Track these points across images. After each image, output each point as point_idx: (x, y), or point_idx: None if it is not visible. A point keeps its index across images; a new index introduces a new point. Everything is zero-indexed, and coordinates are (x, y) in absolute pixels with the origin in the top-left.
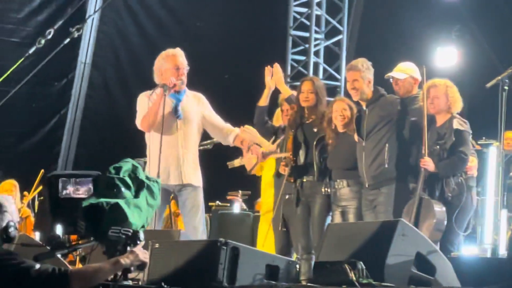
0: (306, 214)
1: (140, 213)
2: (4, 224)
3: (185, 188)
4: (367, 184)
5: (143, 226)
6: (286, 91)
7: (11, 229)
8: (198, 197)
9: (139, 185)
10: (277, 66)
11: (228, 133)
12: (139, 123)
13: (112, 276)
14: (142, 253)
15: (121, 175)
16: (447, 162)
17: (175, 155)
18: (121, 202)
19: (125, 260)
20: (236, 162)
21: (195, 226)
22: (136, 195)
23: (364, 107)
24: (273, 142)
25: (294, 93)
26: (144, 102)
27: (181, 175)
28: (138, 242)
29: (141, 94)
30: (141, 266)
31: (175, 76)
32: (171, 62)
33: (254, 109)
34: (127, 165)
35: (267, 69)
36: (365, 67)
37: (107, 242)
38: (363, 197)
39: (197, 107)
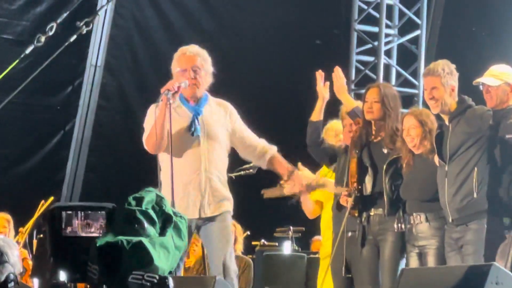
0: (374, 256)
1: (167, 255)
2: (3, 278)
3: (209, 221)
4: (450, 218)
5: (170, 272)
6: (350, 102)
7: (11, 285)
8: (227, 225)
9: (166, 220)
10: (338, 70)
11: (263, 153)
12: (144, 142)
13: None
14: None
15: (143, 207)
16: None
17: (196, 181)
18: (145, 240)
19: None
20: (273, 192)
21: (227, 265)
22: (162, 233)
23: (446, 122)
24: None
25: (360, 104)
26: (152, 115)
27: (204, 208)
28: None
29: (152, 105)
30: None
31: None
32: (180, 63)
33: (305, 125)
34: (150, 195)
35: (319, 74)
36: (446, 72)
37: None
38: (446, 235)
39: (224, 119)
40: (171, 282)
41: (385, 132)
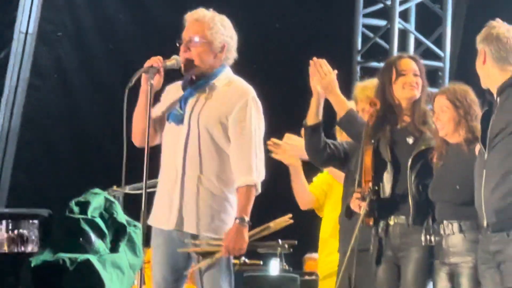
0: (394, 277)
1: (121, 276)
2: None
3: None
4: (486, 222)
5: None
6: (342, 103)
7: None
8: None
9: (118, 232)
10: (323, 63)
11: (236, 176)
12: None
13: None
14: None
15: (89, 215)
16: None
17: (177, 185)
18: (93, 258)
19: None
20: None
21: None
22: (114, 248)
23: (496, 98)
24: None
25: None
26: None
27: (184, 219)
28: None
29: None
30: None
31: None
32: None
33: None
34: (97, 199)
35: (313, 65)
36: (497, 34)
37: None
38: (480, 247)
39: (220, 108)
40: None
41: (412, 116)
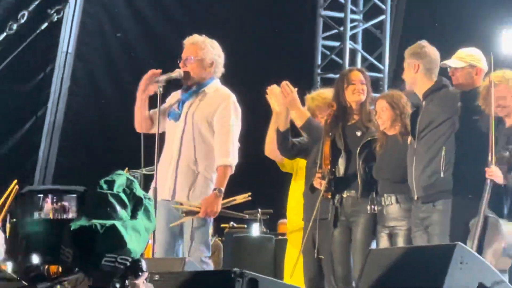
0: (346, 237)
1: (139, 237)
2: None
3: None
4: (416, 196)
5: (141, 255)
6: (303, 115)
7: None
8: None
9: (137, 203)
10: (287, 84)
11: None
12: None
13: None
14: (146, 287)
15: (115, 191)
16: None
17: (172, 166)
18: (118, 224)
19: None
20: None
21: (200, 249)
22: (133, 216)
23: (421, 100)
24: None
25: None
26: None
27: (176, 191)
28: (140, 273)
29: None
30: None
31: None
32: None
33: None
34: (120, 178)
35: (270, 90)
36: (425, 51)
37: (99, 274)
38: (413, 214)
39: (212, 109)
40: (144, 264)
41: (360, 115)
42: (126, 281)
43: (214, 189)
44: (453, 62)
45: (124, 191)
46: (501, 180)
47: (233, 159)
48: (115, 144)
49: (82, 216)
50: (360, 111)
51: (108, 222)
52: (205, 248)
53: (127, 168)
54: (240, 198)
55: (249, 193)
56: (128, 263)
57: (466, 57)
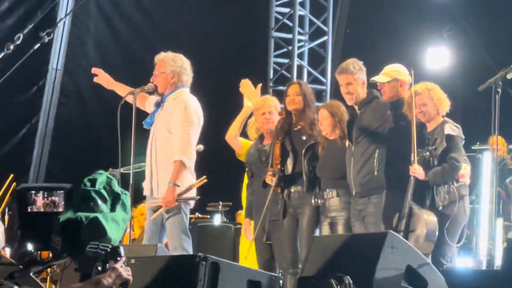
0: (294, 226)
1: (117, 227)
2: None
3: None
4: (354, 191)
5: (120, 242)
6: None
7: None
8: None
9: (115, 198)
10: (246, 82)
11: (174, 155)
12: None
13: None
14: (124, 270)
15: (96, 188)
16: (438, 170)
17: (148, 167)
18: (99, 216)
19: (107, 279)
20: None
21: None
22: (113, 209)
23: (357, 110)
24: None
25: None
26: None
27: (153, 189)
28: (119, 258)
29: None
30: (124, 285)
31: None
32: None
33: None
34: (101, 177)
35: (244, 83)
36: (357, 68)
37: (83, 259)
38: (352, 207)
39: (171, 115)
40: (122, 250)
41: (304, 122)
42: (107, 265)
43: (169, 183)
44: (379, 77)
45: (104, 188)
46: (422, 176)
47: (187, 157)
48: (98, 147)
49: (69, 209)
50: (304, 119)
51: (92, 215)
52: (183, 235)
53: (111, 168)
54: (197, 183)
55: (205, 176)
56: (109, 249)
57: (391, 72)
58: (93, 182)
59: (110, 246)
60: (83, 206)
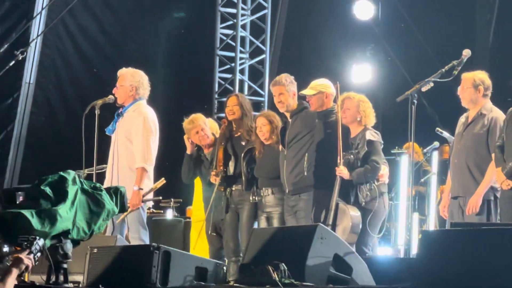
0: (235, 220)
1: (54, 220)
2: None
3: None
4: (287, 190)
5: (88, 232)
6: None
7: None
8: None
9: (61, 196)
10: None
11: (136, 161)
12: None
13: (54, 279)
14: (25, 258)
15: (42, 187)
16: (361, 170)
17: (109, 169)
18: (25, 211)
19: (14, 268)
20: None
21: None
22: (55, 205)
23: (288, 119)
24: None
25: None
26: None
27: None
28: (26, 249)
29: None
30: (26, 268)
31: None
32: None
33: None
34: (54, 177)
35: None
36: (288, 81)
37: (51, 249)
38: (285, 203)
39: (129, 124)
40: (39, 242)
41: (242, 129)
42: (8, 256)
43: (134, 186)
44: (307, 91)
45: (52, 186)
46: (347, 176)
47: (148, 164)
48: (65, 151)
49: (17, 207)
50: (242, 126)
51: (15, 211)
52: (142, 228)
53: (78, 170)
54: (158, 184)
55: (163, 178)
56: (27, 242)
57: (316, 86)
58: (41, 181)
59: (29, 238)
60: (27, 203)
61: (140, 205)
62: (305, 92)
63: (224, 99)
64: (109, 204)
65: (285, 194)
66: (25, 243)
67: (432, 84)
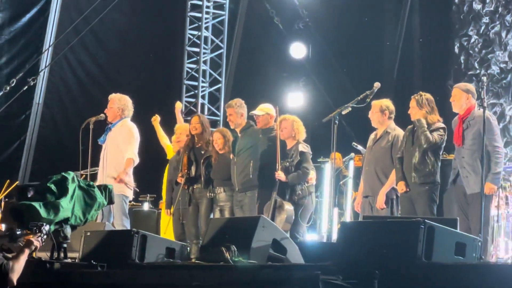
0: (196, 211)
1: (57, 211)
2: None
3: None
4: (236, 188)
5: (83, 219)
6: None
7: None
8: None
9: (63, 191)
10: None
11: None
12: None
13: (56, 256)
14: (35, 240)
15: (47, 184)
16: (295, 174)
17: (100, 171)
18: (35, 203)
19: (26, 248)
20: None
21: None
22: (58, 198)
23: (238, 133)
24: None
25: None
26: None
27: None
28: (38, 233)
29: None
30: (35, 249)
31: None
32: None
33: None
34: (58, 176)
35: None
36: (237, 105)
37: (54, 232)
38: (234, 198)
39: (118, 136)
40: (46, 227)
41: (202, 141)
42: (20, 238)
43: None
44: (256, 111)
45: (56, 184)
46: (283, 179)
47: (135, 157)
48: (66, 156)
49: (27, 200)
50: (202, 139)
51: (28, 203)
52: (124, 216)
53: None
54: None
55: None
56: (35, 227)
57: (263, 108)
58: (47, 180)
59: (37, 224)
60: (37, 197)
61: (124, 175)
62: (255, 112)
63: (189, 118)
64: (100, 198)
65: (234, 192)
66: (34, 228)
67: (350, 109)
